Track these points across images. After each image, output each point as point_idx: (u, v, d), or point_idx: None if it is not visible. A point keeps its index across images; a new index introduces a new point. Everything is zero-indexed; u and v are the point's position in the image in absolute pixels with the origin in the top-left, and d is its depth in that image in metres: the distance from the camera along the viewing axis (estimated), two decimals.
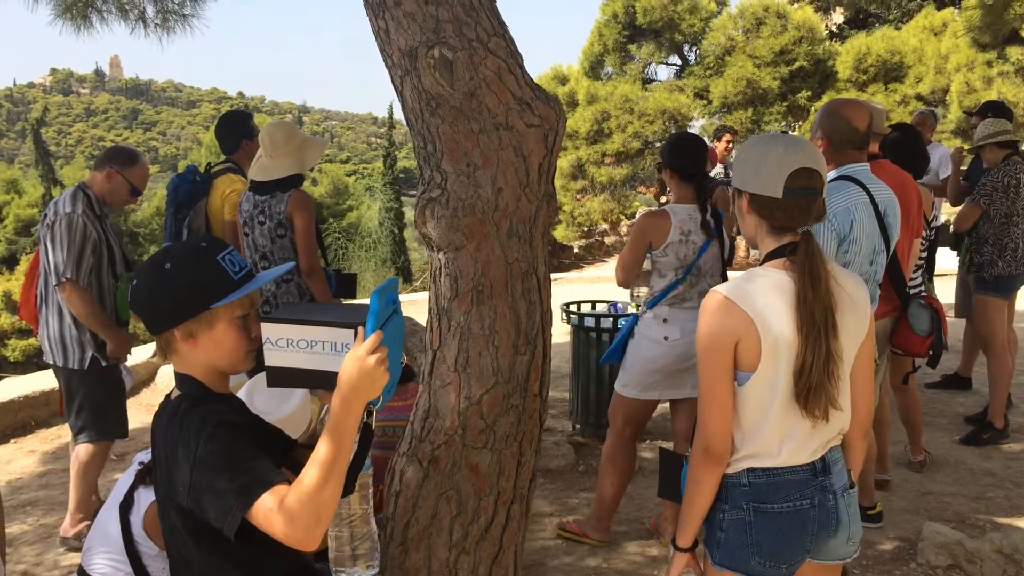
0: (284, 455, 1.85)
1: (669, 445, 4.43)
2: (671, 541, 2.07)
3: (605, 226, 19.73)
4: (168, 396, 1.80)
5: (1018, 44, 14.89)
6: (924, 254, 4.29)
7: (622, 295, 6.04)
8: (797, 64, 17.38)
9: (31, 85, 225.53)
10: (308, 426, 2.69)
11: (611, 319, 4.93)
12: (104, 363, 3.82)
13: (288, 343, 1.66)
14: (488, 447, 2.34)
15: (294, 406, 2.73)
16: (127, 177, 3.89)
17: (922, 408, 4.57)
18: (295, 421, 2.63)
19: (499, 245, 2.25)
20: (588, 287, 11.70)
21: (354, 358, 1.54)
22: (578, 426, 5.20)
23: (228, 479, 1.56)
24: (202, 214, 4.42)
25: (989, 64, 15.05)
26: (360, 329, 1.58)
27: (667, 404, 3.89)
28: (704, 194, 3.48)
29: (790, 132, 16.54)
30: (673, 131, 15.65)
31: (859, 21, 21.11)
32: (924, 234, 4.08)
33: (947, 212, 8.76)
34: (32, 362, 20.94)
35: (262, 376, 2.67)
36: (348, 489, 1.70)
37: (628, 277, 3.57)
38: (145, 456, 2.45)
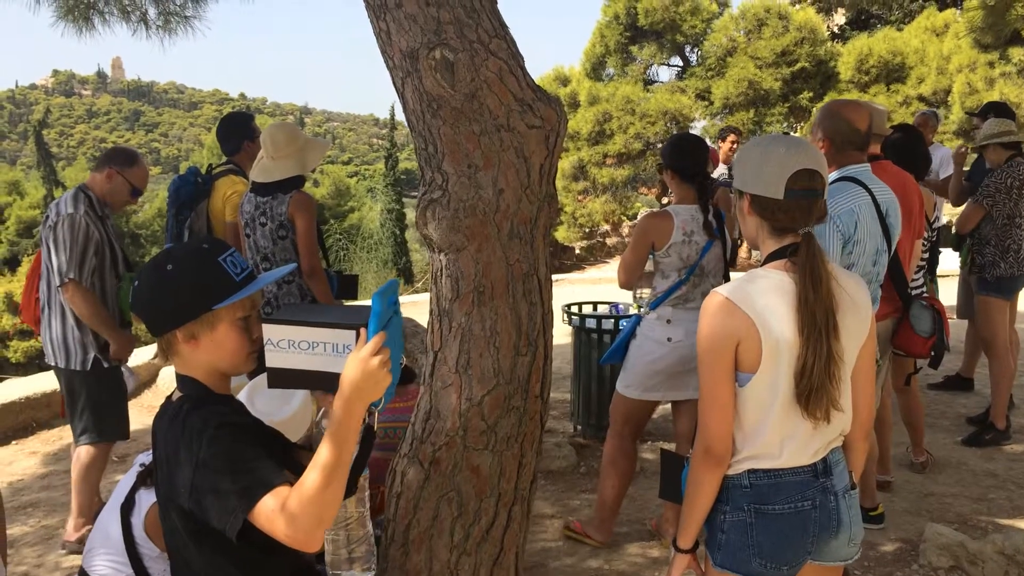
0: (284, 457, 1.85)
1: (671, 446, 4.43)
2: (672, 542, 2.07)
3: (607, 227, 19.73)
4: (169, 397, 1.80)
5: (1020, 45, 14.88)
6: (926, 255, 4.28)
7: (623, 296, 6.04)
8: (799, 65, 17.38)
9: (33, 87, 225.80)
10: (306, 429, 2.69)
11: (612, 320, 4.93)
12: (106, 364, 3.82)
13: (290, 344, 1.66)
14: (489, 448, 2.34)
15: (295, 407, 2.73)
16: (127, 177, 3.89)
17: (924, 409, 4.56)
18: (296, 423, 2.63)
19: (500, 246, 2.25)
20: (589, 288, 11.69)
21: (357, 360, 1.54)
22: (579, 427, 5.20)
23: (230, 480, 1.56)
24: (203, 215, 4.42)
25: (991, 65, 15.04)
26: (362, 330, 1.58)
27: (669, 405, 3.89)
28: (706, 195, 3.48)
29: (792, 133, 16.54)
30: (675, 132, 15.64)
31: (861, 22, 21.11)
32: (926, 235, 4.08)
33: (948, 212, 8.77)
34: (34, 363, 20.96)
35: (263, 377, 2.68)
36: (349, 491, 1.70)
37: (630, 279, 3.57)
38: (146, 458, 2.45)
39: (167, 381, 6.72)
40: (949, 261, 6.43)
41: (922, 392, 5.24)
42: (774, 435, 1.89)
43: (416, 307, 9.35)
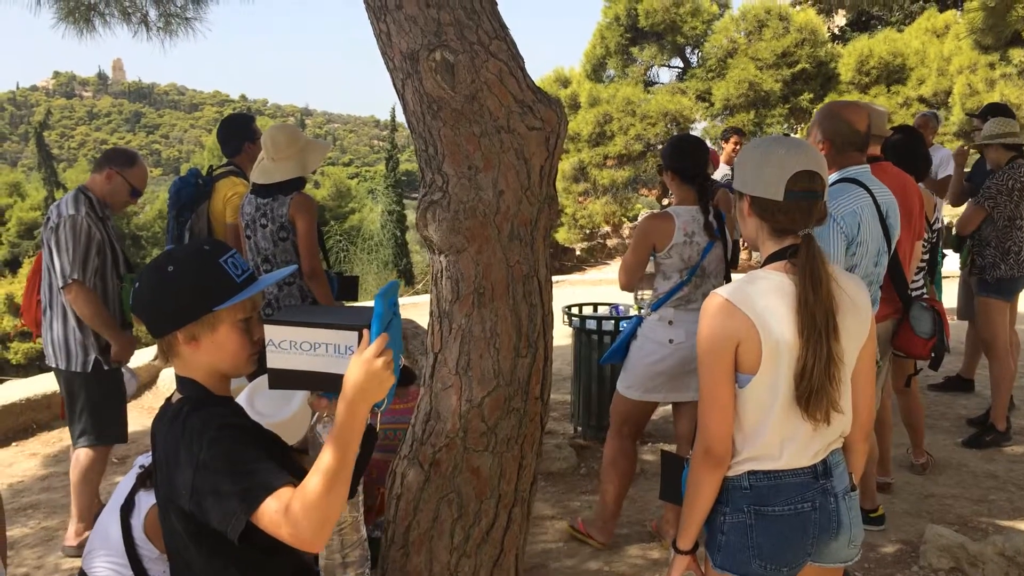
0: (283, 459, 1.85)
1: (672, 448, 4.43)
2: (672, 544, 2.06)
3: (607, 228, 19.74)
4: (169, 399, 1.80)
5: (1021, 46, 14.88)
6: (926, 256, 4.28)
7: (624, 297, 6.03)
8: (799, 66, 17.39)
9: (34, 88, 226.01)
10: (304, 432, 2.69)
11: (613, 321, 4.93)
12: (106, 367, 3.82)
13: (291, 345, 1.66)
14: (489, 450, 2.34)
15: (295, 409, 2.73)
16: (126, 178, 3.90)
17: (924, 410, 4.56)
18: (295, 425, 2.63)
19: (500, 248, 2.25)
20: (590, 289, 11.69)
21: (361, 361, 1.55)
22: (579, 429, 5.20)
23: (232, 482, 1.56)
24: (204, 217, 4.42)
25: (992, 66, 15.05)
26: (365, 332, 1.59)
27: (669, 406, 3.89)
28: (706, 195, 3.48)
29: (792, 135, 16.55)
30: (675, 134, 15.63)
31: (861, 23, 21.12)
32: (926, 236, 4.08)
33: (949, 213, 8.77)
34: (34, 365, 20.98)
35: (263, 379, 2.68)
36: (351, 492, 1.70)
37: (631, 280, 3.57)
38: (146, 459, 2.45)
39: (167, 383, 6.72)
40: (950, 263, 6.43)
41: (922, 393, 5.24)
42: (774, 436, 1.89)
43: (416, 308, 9.35)
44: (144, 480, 2.42)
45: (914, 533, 3.76)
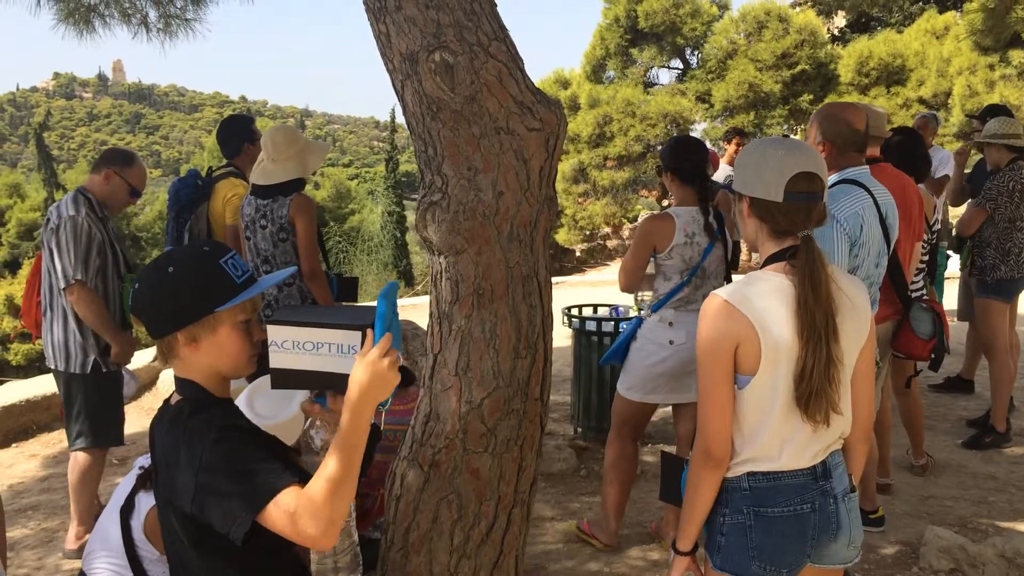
0: (284, 459, 1.85)
1: (672, 449, 4.43)
2: (672, 545, 2.06)
3: (607, 230, 19.76)
4: (167, 401, 1.80)
5: (1020, 47, 14.90)
6: (925, 257, 4.29)
7: (624, 299, 6.04)
8: (799, 68, 17.41)
9: (34, 89, 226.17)
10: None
11: (612, 323, 4.93)
12: (105, 368, 3.82)
13: (294, 345, 1.67)
14: (489, 451, 2.34)
15: (295, 411, 2.73)
16: (125, 178, 3.89)
17: (924, 412, 4.56)
18: (295, 426, 2.63)
19: (500, 249, 2.25)
20: (590, 291, 11.70)
21: (367, 362, 1.56)
22: (579, 430, 5.20)
23: (236, 483, 1.56)
24: (203, 218, 4.42)
25: (991, 67, 15.07)
26: (368, 332, 1.60)
27: (670, 407, 3.89)
28: (706, 196, 3.48)
29: (792, 136, 16.55)
30: (675, 135, 15.64)
31: (861, 24, 21.13)
32: (925, 237, 4.08)
33: (953, 214, 8.76)
34: (34, 366, 20.98)
35: (263, 380, 2.68)
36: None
37: (631, 282, 3.56)
38: (146, 460, 2.44)
39: (167, 384, 6.72)
40: (954, 264, 6.42)
41: (922, 394, 5.24)
42: (773, 438, 1.89)
43: (416, 309, 9.36)
44: (144, 481, 2.42)
45: (914, 534, 3.76)
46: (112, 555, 2.39)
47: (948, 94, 15.87)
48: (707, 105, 18.31)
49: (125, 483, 2.49)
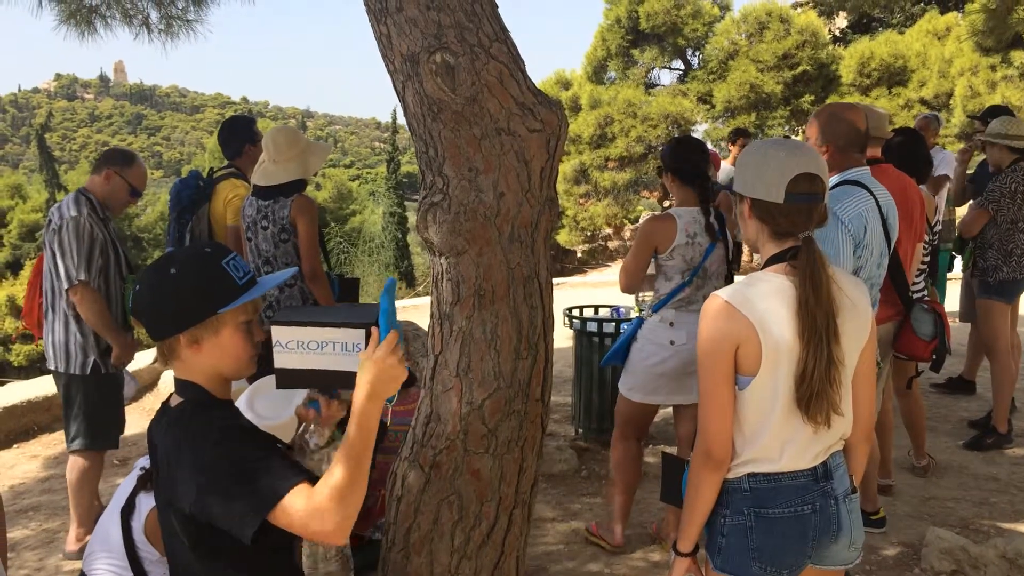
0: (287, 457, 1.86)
1: (673, 450, 4.43)
2: (672, 546, 2.06)
3: (608, 231, 19.75)
4: (166, 402, 1.79)
5: (1022, 48, 14.89)
6: (926, 258, 4.28)
7: (625, 299, 6.04)
8: (800, 68, 17.39)
9: (35, 90, 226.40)
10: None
11: (613, 324, 4.92)
12: (104, 370, 3.82)
13: (299, 345, 1.69)
14: (490, 452, 2.34)
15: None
16: (125, 178, 3.89)
17: (925, 413, 4.55)
18: (293, 427, 2.64)
19: (501, 250, 2.25)
20: (591, 291, 11.69)
21: (375, 359, 1.59)
22: (580, 431, 5.20)
23: (243, 483, 1.57)
24: (205, 219, 4.42)
25: (993, 68, 15.05)
26: (374, 329, 1.62)
27: (671, 408, 3.89)
28: (707, 196, 3.48)
29: (793, 136, 16.55)
30: (676, 135, 15.64)
31: (862, 25, 21.12)
32: (926, 238, 4.07)
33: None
34: (36, 367, 21.00)
35: (264, 381, 2.69)
36: None
37: (632, 282, 3.56)
38: (147, 461, 2.45)
39: (169, 385, 6.72)
40: (959, 265, 6.41)
41: (924, 395, 5.23)
42: (774, 439, 1.89)
43: (417, 310, 9.36)
44: (145, 482, 2.42)
45: (915, 535, 3.76)
46: (112, 556, 2.39)
47: (950, 95, 15.86)
48: (708, 106, 18.30)
49: (126, 484, 2.49)
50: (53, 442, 5.63)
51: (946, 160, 6.08)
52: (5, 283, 27.84)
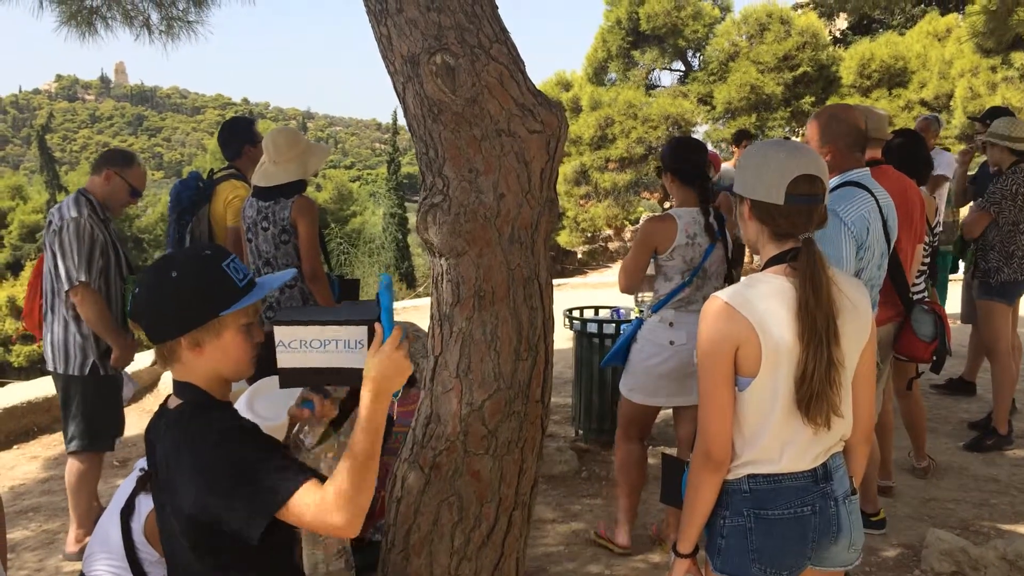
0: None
1: (672, 451, 4.42)
2: (672, 547, 2.06)
3: (609, 232, 19.75)
4: (164, 404, 1.79)
5: (1022, 49, 14.89)
6: (927, 259, 4.28)
7: (625, 300, 6.04)
8: (801, 70, 17.41)
9: (36, 91, 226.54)
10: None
11: (614, 325, 4.92)
12: (103, 371, 3.82)
13: (302, 344, 1.70)
14: (490, 453, 2.34)
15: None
16: (125, 178, 3.89)
17: (926, 414, 4.55)
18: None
19: (501, 251, 2.25)
20: (591, 293, 11.69)
21: (381, 356, 1.63)
22: (580, 432, 5.20)
23: (249, 483, 1.58)
24: (205, 220, 4.42)
25: (993, 69, 15.06)
26: (377, 326, 1.65)
27: (671, 409, 3.89)
28: (706, 197, 3.48)
29: (793, 138, 16.55)
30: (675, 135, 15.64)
31: (863, 27, 21.12)
32: (927, 239, 4.07)
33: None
34: (36, 368, 20.99)
35: (263, 382, 2.69)
36: None
37: (631, 282, 3.56)
38: (146, 462, 2.44)
39: (168, 386, 6.71)
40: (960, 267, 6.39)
41: (924, 396, 5.23)
42: (774, 440, 1.89)
43: (417, 311, 9.36)
44: (144, 483, 2.42)
45: (915, 537, 3.76)
46: (112, 557, 2.39)
47: (950, 96, 15.87)
48: (709, 107, 18.32)
49: (125, 485, 2.49)
50: (53, 443, 5.63)
51: (945, 161, 6.07)
52: (5, 284, 27.86)
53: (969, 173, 5.73)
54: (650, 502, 4.22)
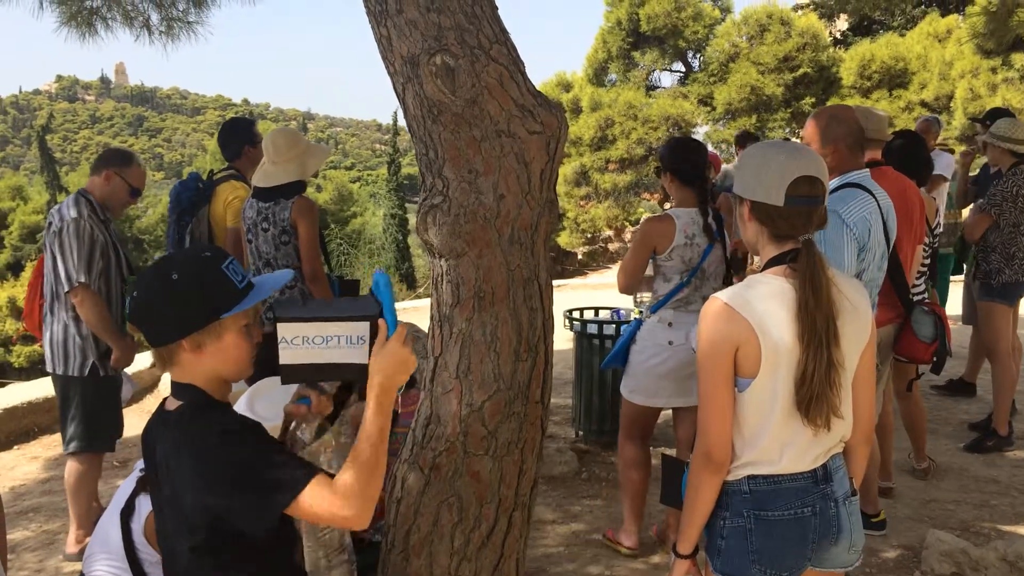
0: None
1: (672, 452, 4.42)
2: (672, 548, 2.06)
3: (609, 233, 19.76)
4: (162, 406, 1.79)
5: (1022, 50, 14.89)
6: (927, 260, 4.29)
7: (625, 301, 6.03)
8: (801, 71, 17.42)
9: (37, 92, 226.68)
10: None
11: (614, 326, 4.92)
12: (103, 372, 3.81)
13: (304, 341, 1.71)
14: (489, 454, 2.34)
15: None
16: (125, 177, 3.89)
17: (926, 415, 4.55)
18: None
19: (501, 252, 2.25)
20: (592, 293, 11.69)
21: (388, 352, 1.67)
22: (580, 433, 5.20)
23: (257, 481, 1.60)
24: (204, 221, 4.42)
25: (993, 70, 15.06)
26: (381, 321, 1.69)
27: (671, 410, 3.89)
28: (705, 197, 3.48)
29: (794, 139, 16.53)
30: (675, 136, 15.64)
31: (863, 28, 21.13)
32: (927, 241, 4.07)
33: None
34: (36, 368, 21.00)
35: (264, 382, 2.69)
36: None
37: (630, 283, 3.56)
38: (144, 464, 2.44)
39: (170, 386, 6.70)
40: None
41: (924, 397, 5.23)
42: (774, 441, 1.89)
43: (418, 312, 9.35)
44: (145, 484, 2.41)
45: (916, 538, 3.76)
46: (112, 558, 2.39)
47: (950, 97, 15.87)
48: (709, 108, 18.33)
49: (126, 485, 2.49)
50: (54, 443, 5.63)
51: (944, 162, 6.07)
52: (6, 284, 27.88)
53: (971, 174, 5.73)
54: (651, 503, 4.21)
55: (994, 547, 3.34)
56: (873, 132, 3.62)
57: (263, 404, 2.69)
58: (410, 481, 2.39)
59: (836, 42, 20.52)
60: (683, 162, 3.46)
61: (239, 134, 4.59)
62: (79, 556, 3.77)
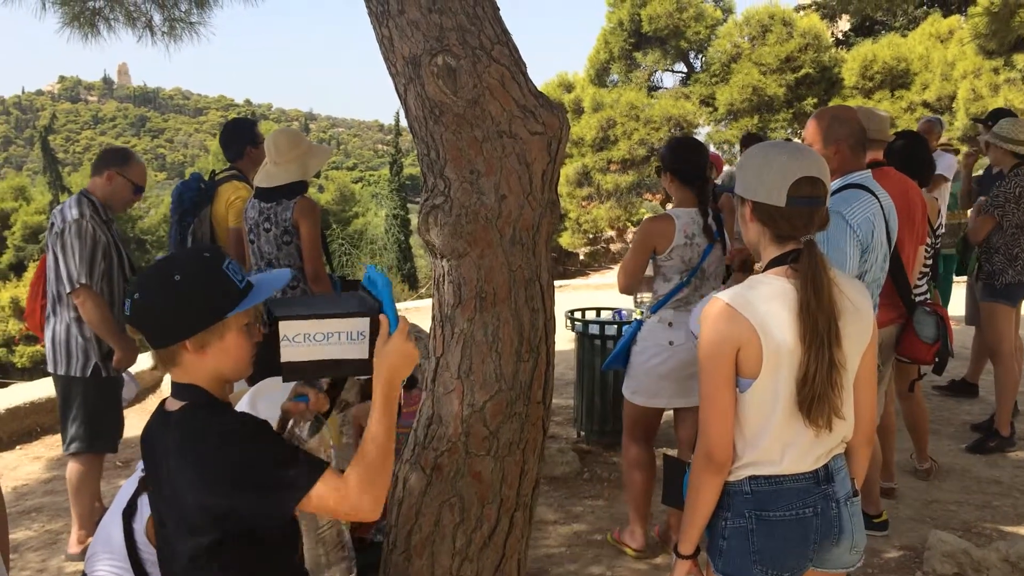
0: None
1: (674, 452, 4.42)
2: (673, 548, 2.06)
3: (611, 233, 19.75)
4: (162, 406, 1.79)
5: None
6: (929, 261, 4.28)
7: (627, 302, 6.03)
8: (803, 71, 17.41)
9: (39, 93, 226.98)
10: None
11: (615, 326, 4.92)
12: (105, 373, 3.82)
13: (305, 338, 1.72)
14: (491, 454, 2.34)
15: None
16: (127, 176, 3.90)
17: (928, 416, 4.55)
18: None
19: (502, 252, 2.25)
20: (593, 294, 11.69)
21: (392, 347, 1.71)
22: (582, 433, 5.20)
23: (275, 475, 1.61)
24: (206, 221, 4.42)
25: (996, 71, 15.04)
26: (382, 317, 1.73)
27: (672, 411, 3.89)
28: (705, 197, 3.48)
29: (796, 140, 16.52)
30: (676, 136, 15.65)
31: (865, 28, 21.11)
32: (929, 241, 4.07)
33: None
34: (39, 368, 21.02)
35: (265, 383, 2.69)
36: None
37: (630, 283, 3.56)
38: (143, 465, 2.45)
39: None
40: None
41: (926, 398, 5.22)
42: (775, 441, 1.89)
43: (419, 312, 9.36)
44: (147, 484, 2.42)
45: (917, 539, 3.75)
46: (114, 557, 2.39)
47: (952, 98, 15.85)
48: (711, 109, 18.32)
49: (128, 485, 2.49)
50: (56, 443, 5.63)
51: (945, 163, 6.06)
52: (8, 285, 27.91)
53: (975, 175, 5.73)
54: (653, 503, 4.21)
55: (996, 548, 3.34)
56: (875, 133, 3.62)
57: (265, 404, 2.68)
58: (412, 481, 2.39)
59: (838, 43, 20.51)
60: (683, 162, 3.46)
61: (241, 134, 4.59)
62: (81, 556, 3.77)
